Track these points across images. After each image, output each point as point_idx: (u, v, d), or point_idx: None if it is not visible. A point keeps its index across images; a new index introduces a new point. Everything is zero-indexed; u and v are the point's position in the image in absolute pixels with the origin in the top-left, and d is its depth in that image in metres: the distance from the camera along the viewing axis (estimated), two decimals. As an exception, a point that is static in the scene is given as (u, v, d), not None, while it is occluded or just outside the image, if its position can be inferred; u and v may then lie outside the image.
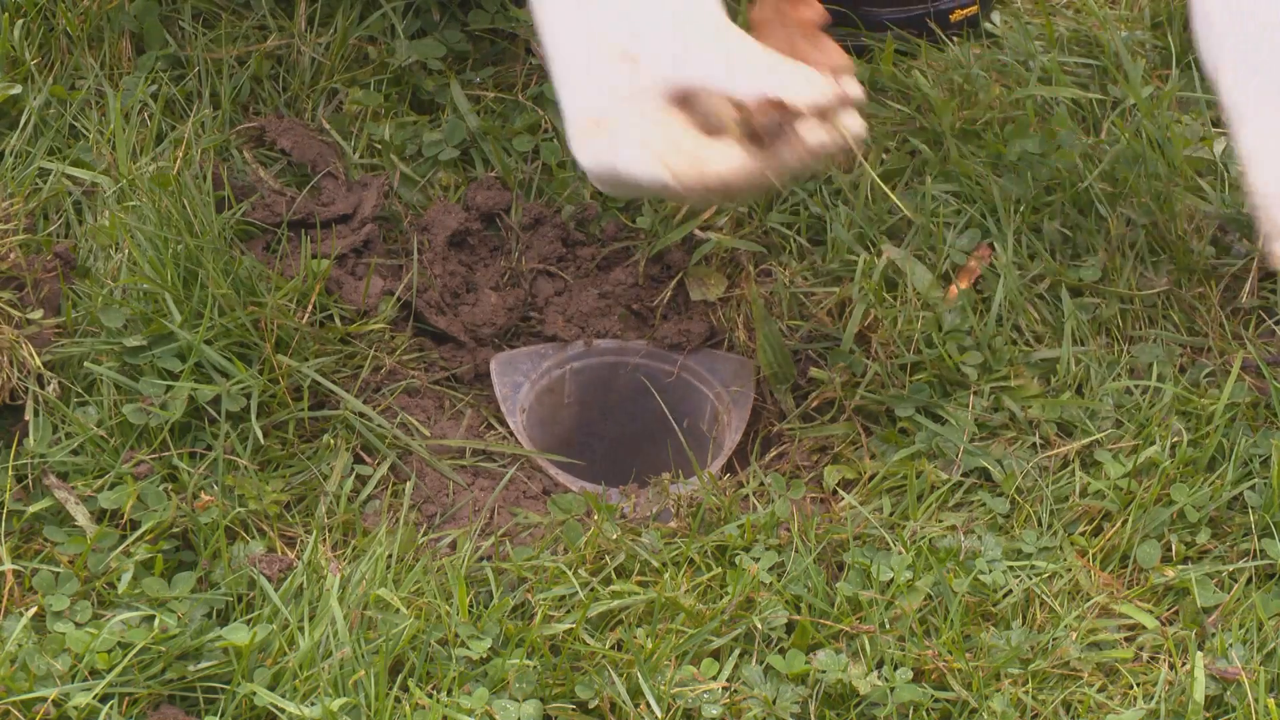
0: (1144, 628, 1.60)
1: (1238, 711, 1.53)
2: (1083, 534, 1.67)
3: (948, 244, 1.84)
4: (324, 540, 1.63)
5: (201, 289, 1.72)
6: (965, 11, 2.03)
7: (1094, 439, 1.73)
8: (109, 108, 1.90)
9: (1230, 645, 1.57)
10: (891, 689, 1.52)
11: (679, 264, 1.89)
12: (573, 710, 1.50)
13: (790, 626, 1.57)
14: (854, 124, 1.54)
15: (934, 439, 1.73)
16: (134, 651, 1.48)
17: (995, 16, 2.07)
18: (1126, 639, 1.60)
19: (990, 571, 1.62)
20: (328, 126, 1.94)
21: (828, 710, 1.52)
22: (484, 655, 1.52)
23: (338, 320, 1.77)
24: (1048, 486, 1.70)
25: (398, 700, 1.49)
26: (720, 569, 1.61)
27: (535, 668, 1.51)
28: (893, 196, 1.86)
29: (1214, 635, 1.59)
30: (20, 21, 1.96)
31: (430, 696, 1.49)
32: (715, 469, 1.75)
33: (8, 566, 1.56)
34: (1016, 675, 1.55)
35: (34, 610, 1.53)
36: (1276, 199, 1.58)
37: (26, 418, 1.67)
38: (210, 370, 1.69)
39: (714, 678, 1.53)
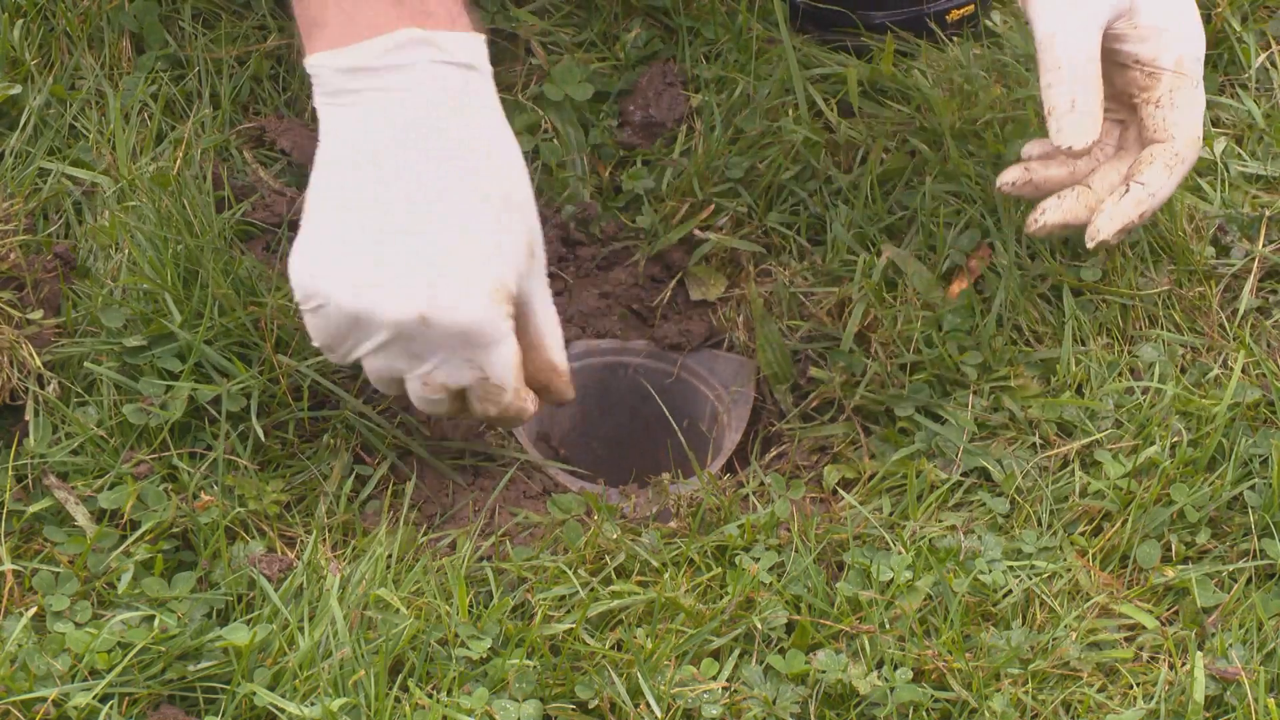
0: (1144, 628, 1.60)
1: (1238, 711, 1.53)
2: (1083, 534, 1.67)
3: (948, 244, 1.84)
4: (324, 540, 1.63)
5: (201, 289, 1.72)
6: (962, 11, 2.03)
7: (1094, 439, 1.73)
8: (109, 108, 1.90)
9: (1230, 645, 1.57)
10: (891, 689, 1.52)
11: (679, 264, 1.89)
12: (573, 710, 1.50)
13: (790, 626, 1.57)
14: None
15: (934, 439, 1.73)
16: (134, 651, 1.48)
17: (995, 16, 2.07)
18: (1126, 639, 1.60)
19: (990, 571, 1.62)
20: (328, 126, 1.94)
21: (828, 710, 1.52)
22: (484, 655, 1.52)
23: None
24: (1048, 486, 1.70)
25: (398, 700, 1.49)
26: (720, 569, 1.61)
27: (535, 668, 1.51)
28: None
29: (1214, 635, 1.59)
30: (20, 21, 1.96)
31: (430, 696, 1.49)
32: (715, 469, 1.75)
33: (8, 566, 1.57)
34: (1016, 675, 1.55)
35: (34, 610, 1.53)
36: None
37: (26, 418, 1.67)
38: (210, 370, 1.69)
39: (714, 678, 1.53)
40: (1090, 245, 1.70)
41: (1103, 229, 1.70)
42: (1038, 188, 1.74)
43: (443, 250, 1.46)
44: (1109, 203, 1.71)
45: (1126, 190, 1.71)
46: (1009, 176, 1.73)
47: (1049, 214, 1.72)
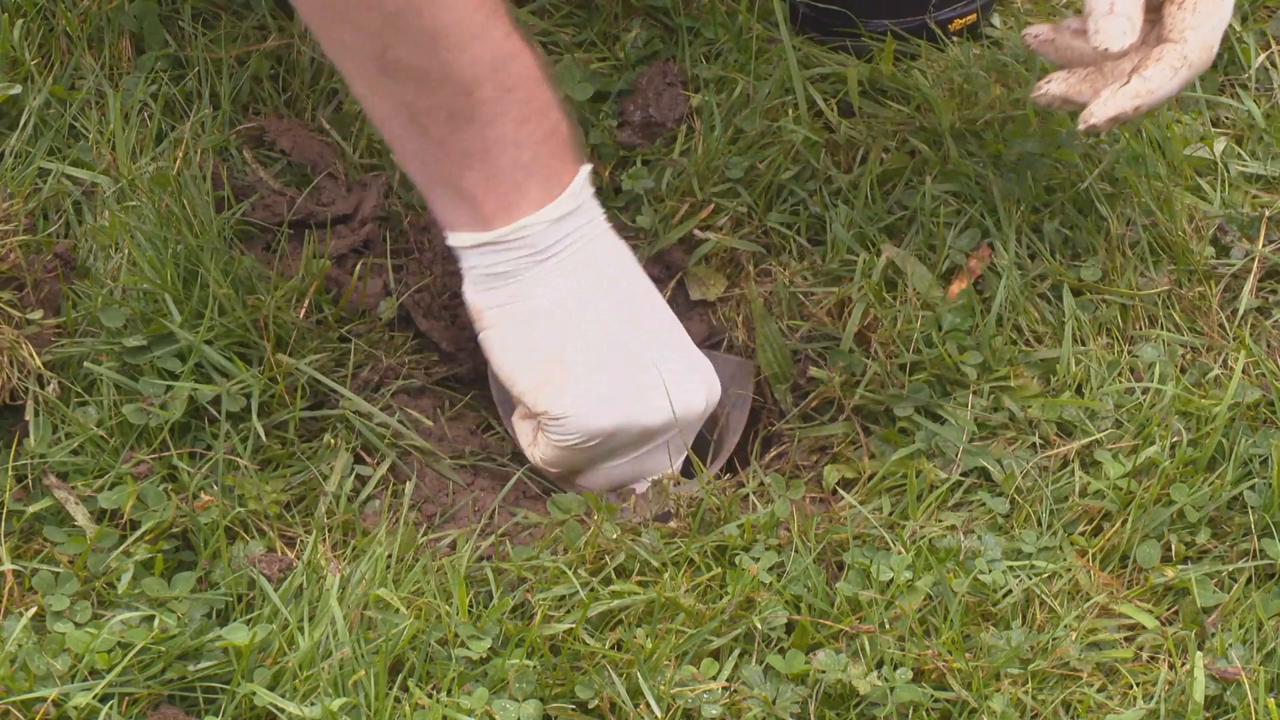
0: (1144, 628, 1.60)
1: (1238, 711, 1.53)
2: (1083, 534, 1.67)
3: (948, 244, 1.84)
4: (324, 540, 1.63)
5: (201, 289, 1.72)
6: (964, 20, 2.03)
7: (1094, 439, 1.73)
8: (109, 108, 1.90)
9: (1230, 645, 1.57)
10: (891, 689, 1.52)
11: (679, 264, 1.89)
12: (573, 710, 1.50)
13: (790, 626, 1.57)
14: None
15: (933, 439, 1.73)
16: (134, 651, 1.48)
17: (995, 18, 2.07)
18: (1126, 639, 1.60)
19: (990, 571, 1.62)
20: (328, 126, 1.94)
21: (828, 710, 1.52)
22: (484, 655, 1.52)
23: (336, 320, 1.77)
24: (1048, 486, 1.70)
25: (398, 700, 1.49)
26: (720, 569, 1.61)
27: (535, 668, 1.51)
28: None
29: (1214, 635, 1.59)
30: (20, 21, 1.96)
31: (430, 696, 1.49)
32: (715, 469, 1.75)
33: (8, 566, 1.57)
34: (1016, 675, 1.55)
35: (34, 610, 1.53)
36: None
37: (26, 418, 1.67)
38: (210, 370, 1.69)
39: (714, 678, 1.53)
40: (1081, 128, 1.72)
41: (1096, 113, 1.71)
42: (1058, 51, 1.77)
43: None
44: (1108, 90, 1.71)
45: (1127, 82, 1.71)
46: (1036, 30, 1.78)
47: (1054, 85, 1.75)
